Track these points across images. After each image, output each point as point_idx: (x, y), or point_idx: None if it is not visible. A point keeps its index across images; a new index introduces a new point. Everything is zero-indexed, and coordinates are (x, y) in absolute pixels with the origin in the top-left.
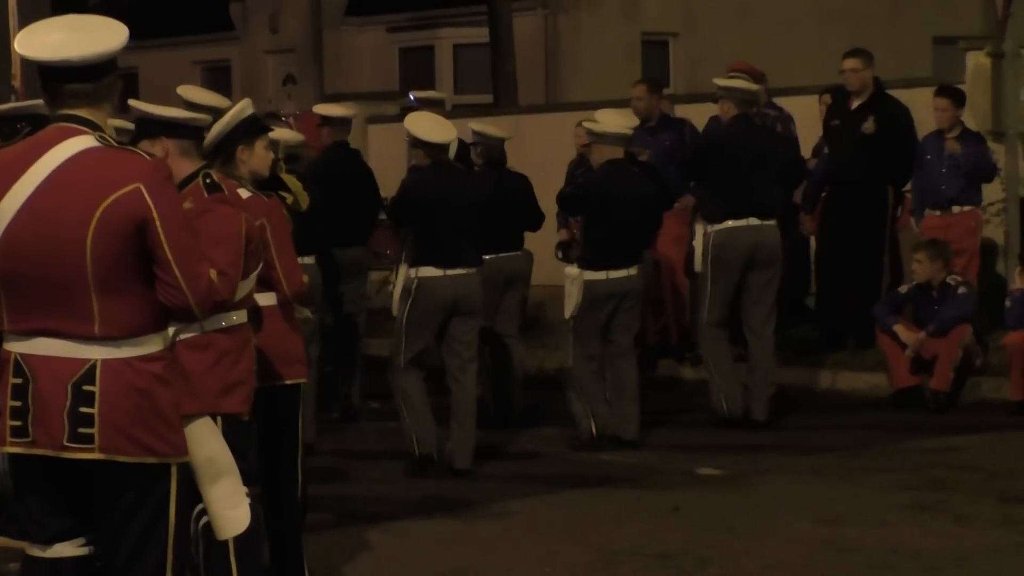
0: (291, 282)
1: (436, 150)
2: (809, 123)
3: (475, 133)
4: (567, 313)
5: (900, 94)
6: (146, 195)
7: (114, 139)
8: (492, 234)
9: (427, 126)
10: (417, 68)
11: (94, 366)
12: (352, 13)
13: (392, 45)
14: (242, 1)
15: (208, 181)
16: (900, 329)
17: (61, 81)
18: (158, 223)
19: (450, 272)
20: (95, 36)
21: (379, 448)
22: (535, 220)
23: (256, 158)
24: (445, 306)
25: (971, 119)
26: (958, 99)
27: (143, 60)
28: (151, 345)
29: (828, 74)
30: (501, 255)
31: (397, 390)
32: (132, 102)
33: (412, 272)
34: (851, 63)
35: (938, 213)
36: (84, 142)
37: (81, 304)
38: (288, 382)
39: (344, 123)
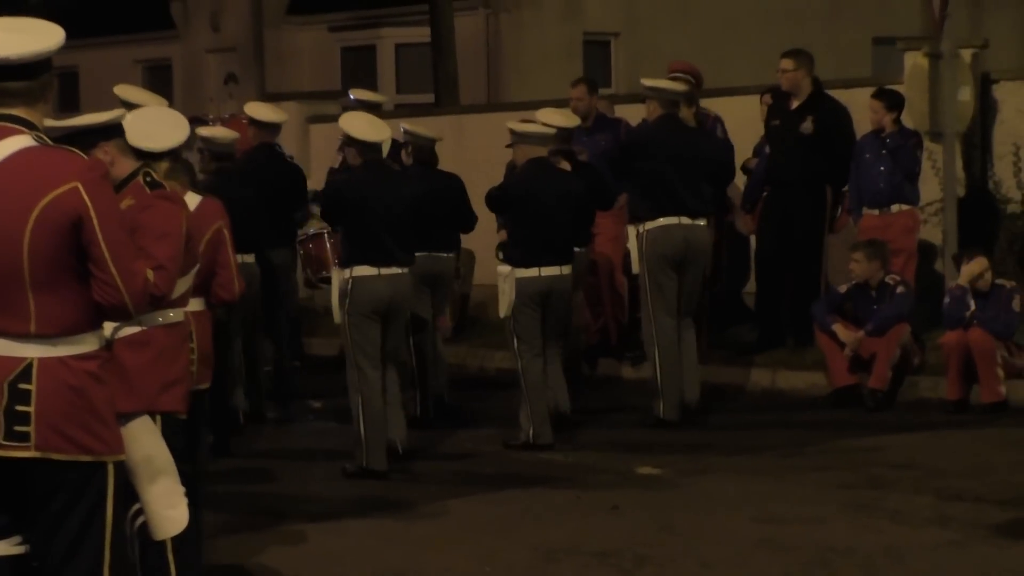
0: (240, 283)
1: (369, 149)
2: (749, 123)
3: (406, 132)
4: (501, 312)
5: (839, 94)
6: (83, 194)
7: (50, 138)
8: (421, 234)
9: (361, 125)
10: (359, 67)
11: (30, 364)
12: (293, 12)
13: (334, 44)
14: (183, 0)
15: (149, 179)
16: (839, 328)
17: None
18: (95, 221)
19: (384, 271)
20: (31, 36)
21: (317, 447)
22: (466, 220)
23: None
24: (382, 304)
25: (909, 119)
26: (891, 102)
27: (83, 59)
28: (87, 344)
29: (768, 74)
30: (430, 255)
31: (353, 397)
32: (50, 122)
33: (346, 272)
34: (783, 63)
35: (876, 212)
36: (21, 141)
37: (17, 302)
38: (204, 386)
39: (271, 127)
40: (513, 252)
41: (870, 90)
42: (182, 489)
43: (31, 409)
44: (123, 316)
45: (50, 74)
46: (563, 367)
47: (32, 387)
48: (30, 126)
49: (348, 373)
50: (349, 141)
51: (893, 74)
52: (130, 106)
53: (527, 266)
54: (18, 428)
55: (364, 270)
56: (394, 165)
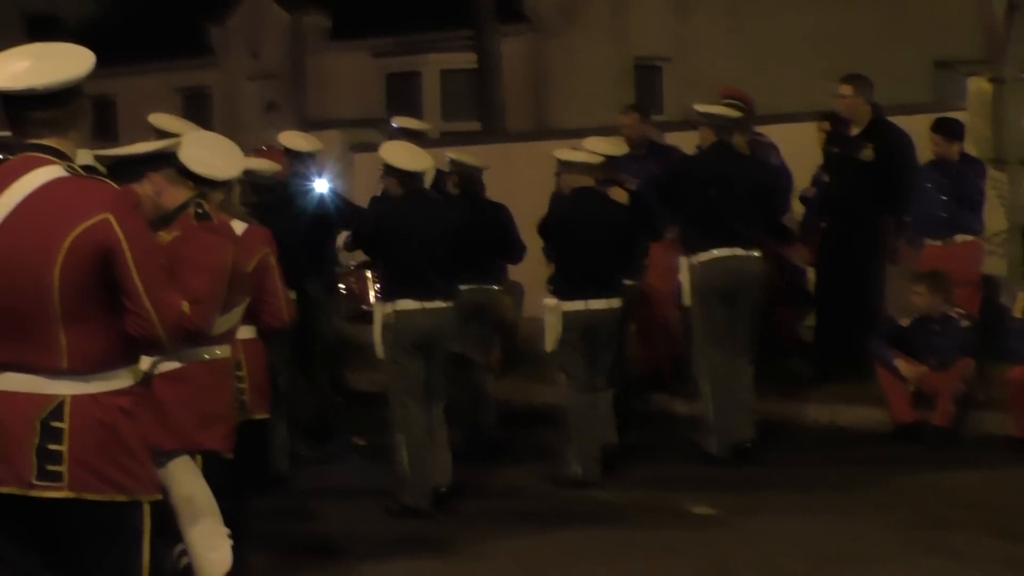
0: (290, 310)
1: (410, 179)
2: (805, 150)
3: (451, 162)
4: (548, 346)
5: (899, 120)
6: (115, 225)
7: (82, 168)
8: (467, 265)
9: (402, 154)
10: (403, 94)
11: (63, 402)
12: (335, 37)
13: (377, 70)
14: (222, 25)
15: (200, 211)
16: (900, 363)
17: (26, 109)
18: (127, 252)
19: (427, 305)
20: (59, 63)
21: (360, 486)
22: (513, 252)
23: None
24: (424, 338)
25: (972, 146)
26: (949, 132)
27: (120, 86)
28: (120, 380)
29: (824, 99)
30: (475, 287)
31: (396, 434)
32: (98, 152)
33: (388, 307)
34: (841, 89)
35: (939, 243)
36: (52, 172)
37: (49, 337)
38: (259, 416)
39: (305, 156)
40: (558, 284)
41: (931, 117)
42: (225, 530)
43: (63, 448)
44: (158, 349)
45: (81, 101)
46: (614, 402)
47: (65, 425)
48: (61, 156)
49: (391, 410)
50: (389, 171)
51: (955, 99)
52: (165, 135)
53: (572, 299)
54: (51, 467)
55: (406, 304)
56: (434, 195)
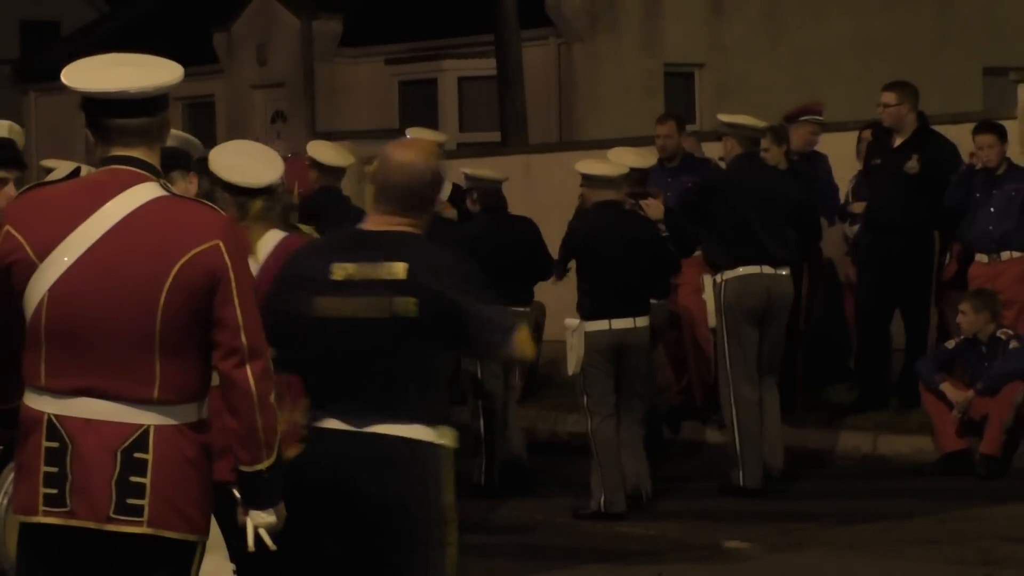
0: None
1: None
2: (850, 161)
3: (468, 178)
4: (570, 369)
5: (947, 130)
6: (224, 252)
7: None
8: (494, 286)
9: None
10: (418, 103)
11: (147, 432)
12: (347, 44)
13: (391, 78)
14: (227, 31)
15: None
16: (947, 387)
17: (115, 117)
18: (233, 283)
19: None
20: (151, 70)
21: None
22: (542, 268)
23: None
24: None
25: (1022, 156)
26: (1002, 133)
27: None
28: (199, 412)
29: (868, 108)
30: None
31: None
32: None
33: None
34: (885, 96)
35: (986, 260)
36: (151, 190)
37: (142, 365)
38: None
39: (335, 171)
40: (582, 303)
41: None
42: (231, 566)
43: (147, 480)
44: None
45: (167, 113)
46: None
47: (149, 456)
48: (153, 171)
49: None
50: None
51: (1005, 108)
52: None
53: (596, 318)
54: (131, 501)
55: None
56: (445, 214)
